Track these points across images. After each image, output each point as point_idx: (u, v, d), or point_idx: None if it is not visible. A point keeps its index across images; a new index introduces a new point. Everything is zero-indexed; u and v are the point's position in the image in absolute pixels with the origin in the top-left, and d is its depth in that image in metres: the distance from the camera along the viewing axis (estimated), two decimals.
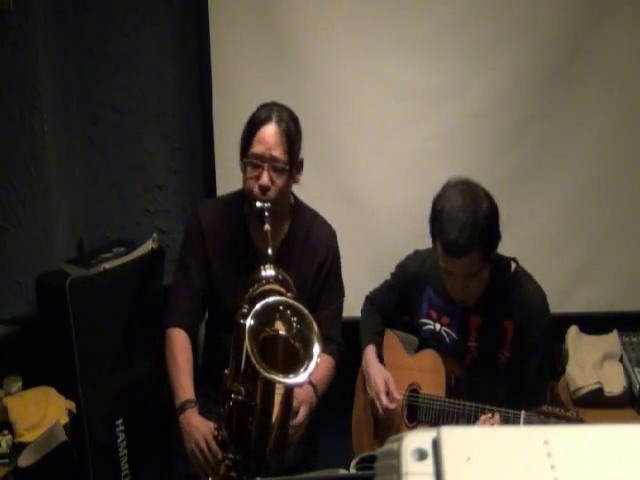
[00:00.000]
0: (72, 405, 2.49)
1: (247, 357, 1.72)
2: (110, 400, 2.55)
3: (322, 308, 2.23)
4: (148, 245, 2.72)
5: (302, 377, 1.72)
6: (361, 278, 2.77)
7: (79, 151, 2.96)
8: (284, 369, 1.74)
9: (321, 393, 2.15)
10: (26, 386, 2.51)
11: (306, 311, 1.78)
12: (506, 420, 1.95)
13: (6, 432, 2.38)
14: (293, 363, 1.74)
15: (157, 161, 3.00)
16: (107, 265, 2.57)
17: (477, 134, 2.83)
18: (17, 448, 2.34)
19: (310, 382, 2.01)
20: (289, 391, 1.84)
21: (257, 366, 1.68)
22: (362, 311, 2.48)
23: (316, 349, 1.74)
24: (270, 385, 1.77)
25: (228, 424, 1.90)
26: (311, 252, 2.23)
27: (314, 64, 2.80)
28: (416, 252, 2.36)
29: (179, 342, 2.17)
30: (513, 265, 2.19)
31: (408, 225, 2.81)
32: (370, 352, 2.34)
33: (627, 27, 2.72)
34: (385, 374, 2.27)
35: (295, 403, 1.95)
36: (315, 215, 2.30)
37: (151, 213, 3.03)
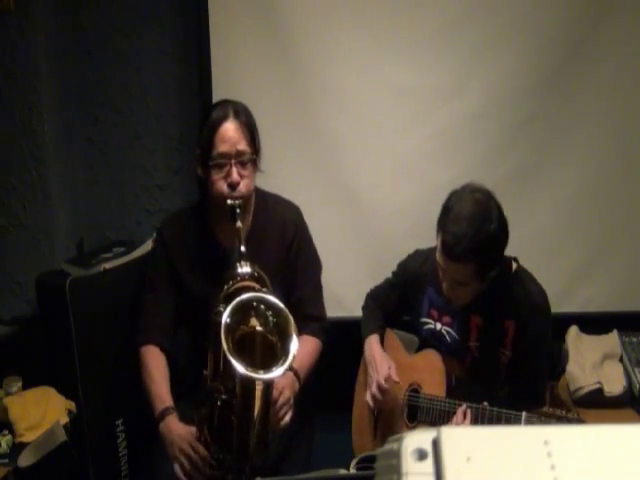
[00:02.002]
0: (72, 405, 2.48)
1: (224, 355, 1.72)
2: (110, 400, 2.55)
3: (301, 286, 2.26)
4: (148, 245, 2.72)
5: (278, 371, 1.71)
6: (361, 278, 2.77)
7: (79, 151, 2.96)
8: (262, 364, 1.74)
9: (304, 377, 2.15)
10: (26, 386, 2.51)
11: (281, 305, 1.77)
12: (507, 421, 1.95)
13: (6, 432, 2.37)
14: (271, 358, 1.74)
15: (157, 161, 3.00)
16: (107, 265, 2.57)
17: (476, 134, 2.83)
18: (17, 448, 2.33)
19: (291, 368, 2.02)
20: (268, 386, 1.84)
21: (233, 363, 1.67)
22: (363, 307, 2.48)
23: (293, 342, 1.73)
24: (249, 381, 1.77)
25: (210, 424, 1.90)
26: (279, 233, 2.24)
27: (314, 64, 2.79)
28: (417, 251, 2.36)
29: (153, 358, 2.19)
30: (514, 265, 2.19)
31: (408, 225, 2.81)
32: (373, 340, 2.33)
33: (626, 28, 2.72)
34: (389, 361, 2.26)
35: (275, 392, 1.95)
36: (277, 197, 2.31)
37: (151, 213, 3.03)
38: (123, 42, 2.89)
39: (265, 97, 2.68)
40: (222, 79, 2.79)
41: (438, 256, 2.05)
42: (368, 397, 2.25)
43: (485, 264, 2.00)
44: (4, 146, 2.67)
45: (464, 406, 2.02)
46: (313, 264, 2.32)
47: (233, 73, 2.80)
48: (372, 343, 2.34)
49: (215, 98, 2.77)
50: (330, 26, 2.76)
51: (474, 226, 1.95)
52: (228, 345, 1.69)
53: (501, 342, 2.14)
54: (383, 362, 2.25)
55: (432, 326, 2.26)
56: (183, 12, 2.87)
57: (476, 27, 2.74)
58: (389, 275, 2.45)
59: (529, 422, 1.89)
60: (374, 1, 2.75)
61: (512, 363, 2.15)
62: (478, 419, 2.01)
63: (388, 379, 2.20)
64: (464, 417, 2.01)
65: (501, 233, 2.00)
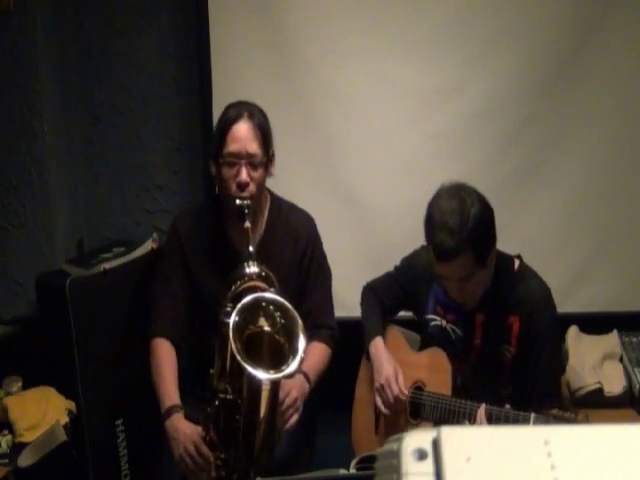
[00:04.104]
0: (72, 405, 2.48)
1: (232, 355, 1.72)
2: (110, 400, 2.55)
3: (311, 295, 2.26)
4: (148, 245, 2.72)
5: (287, 371, 1.71)
6: (361, 278, 2.75)
7: (79, 151, 2.96)
8: (270, 365, 1.73)
9: (314, 380, 2.16)
10: (26, 386, 2.51)
11: (289, 305, 1.77)
12: (515, 422, 1.94)
13: (6, 432, 2.37)
14: (279, 358, 1.74)
15: (157, 161, 3.00)
16: (107, 265, 2.57)
17: (477, 134, 2.83)
18: (17, 448, 2.33)
19: (301, 370, 2.01)
20: (275, 386, 1.83)
21: (242, 363, 1.67)
22: (363, 300, 2.46)
23: (301, 343, 1.73)
24: (257, 382, 1.76)
25: (216, 424, 1.90)
26: (292, 242, 2.24)
27: (314, 64, 2.80)
28: (423, 247, 2.32)
29: (163, 351, 2.18)
30: (517, 262, 2.19)
31: (407, 225, 2.79)
32: (379, 342, 2.32)
33: (627, 28, 2.72)
34: (395, 365, 2.26)
35: (281, 394, 1.95)
36: (292, 206, 2.31)
37: (151, 213, 3.03)
38: (123, 42, 2.89)
39: (265, 97, 2.67)
40: (222, 79, 2.79)
41: (436, 268, 2.05)
42: (379, 403, 2.25)
43: (481, 248, 2.00)
44: (4, 146, 2.67)
45: (482, 408, 2.00)
46: (323, 274, 2.32)
47: (233, 73, 2.80)
48: (378, 346, 2.32)
49: (215, 98, 2.77)
50: (330, 26, 2.76)
51: (457, 218, 1.95)
52: (236, 345, 1.69)
53: (505, 339, 2.14)
54: (389, 366, 2.24)
55: (438, 323, 2.26)
56: (183, 12, 2.87)
57: (475, 27, 2.74)
58: (390, 269, 2.43)
59: (538, 423, 1.88)
60: (374, 1, 2.75)
61: (518, 361, 2.13)
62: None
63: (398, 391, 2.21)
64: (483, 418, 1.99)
65: (485, 212, 2.01)
